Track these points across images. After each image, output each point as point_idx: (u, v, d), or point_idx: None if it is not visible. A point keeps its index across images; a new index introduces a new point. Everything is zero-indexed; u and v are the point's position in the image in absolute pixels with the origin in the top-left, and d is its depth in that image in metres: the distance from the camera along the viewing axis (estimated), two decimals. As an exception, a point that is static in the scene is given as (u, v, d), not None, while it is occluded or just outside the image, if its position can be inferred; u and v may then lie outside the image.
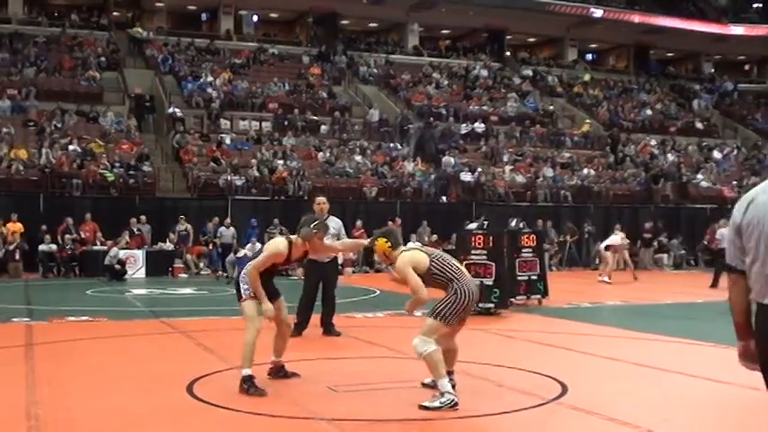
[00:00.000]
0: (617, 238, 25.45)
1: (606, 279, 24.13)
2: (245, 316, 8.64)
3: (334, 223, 12.76)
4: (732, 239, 4.46)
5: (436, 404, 7.62)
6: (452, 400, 7.62)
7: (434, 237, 29.76)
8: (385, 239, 8.30)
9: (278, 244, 8.75)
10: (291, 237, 8.89)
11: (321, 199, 13.01)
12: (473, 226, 17.35)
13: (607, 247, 25.14)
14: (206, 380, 8.95)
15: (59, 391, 8.52)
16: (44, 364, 10.08)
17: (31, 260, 25.84)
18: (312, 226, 8.73)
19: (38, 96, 34.40)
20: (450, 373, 8.16)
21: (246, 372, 8.41)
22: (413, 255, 8.16)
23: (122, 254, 25.40)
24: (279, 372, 9.18)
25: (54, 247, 25.94)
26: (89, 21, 44.27)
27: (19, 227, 25.81)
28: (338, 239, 12.63)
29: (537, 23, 51.81)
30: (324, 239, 9.04)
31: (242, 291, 8.62)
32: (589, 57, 58.36)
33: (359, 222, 28.72)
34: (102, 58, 39.10)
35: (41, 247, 25.75)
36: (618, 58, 59.42)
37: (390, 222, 29.04)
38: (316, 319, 12.85)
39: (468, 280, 8.11)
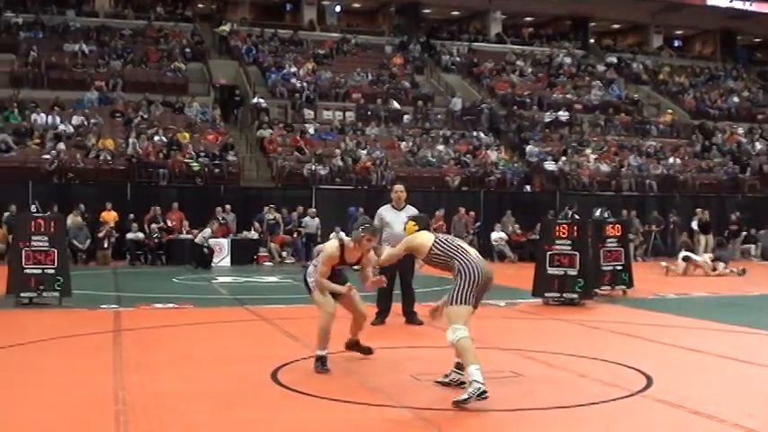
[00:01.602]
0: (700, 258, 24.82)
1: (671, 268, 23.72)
2: (317, 305, 9.01)
3: (412, 213, 12.71)
4: None
5: (464, 396, 7.42)
6: (479, 389, 7.37)
7: (517, 226, 29.56)
8: (414, 222, 8.62)
9: (329, 249, 9.03)
10: (345, 239, 9.13)
11: (398, 187, 13.07)
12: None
13: (686, 258, 24.37)
14: (290, 367, 9.02)
15: (146, 376, 8.65)
16: (131, 350, 10.26)
17: (118, 248, 26.34)
18: (361, 229, 8.92)
19: (124, 88, 35.02)
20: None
21: (320, 353, 8.86)
22: (418, 235, 8.39)
23: (210, 241, 25.74)
24: (354, 345, 9.61)
25: (141, 235, 26.38)
26: (174, 13, 44.90)
27: (113, 215, 26.36)
28: None
29: (621, 10, 51.11)
30: (372, 242, 9.14)
31: (309, 285, 9.18)
32: (675, 43, 57.33)
33: (440, 212, 28.78)
34: (187, 50, 39.64)
35: (129, 236, 26.21)
36: (704, 45, 58.27)
37: (461, 209, 29.05)
38: (398, 308, 12.88)
39: (473, 257, 8.04)
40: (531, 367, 9.27)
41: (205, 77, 38.36)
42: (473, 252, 8.20)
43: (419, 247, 8.24)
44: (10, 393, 7.96)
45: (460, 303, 7.89)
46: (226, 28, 41.93)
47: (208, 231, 25.59)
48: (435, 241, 8.18)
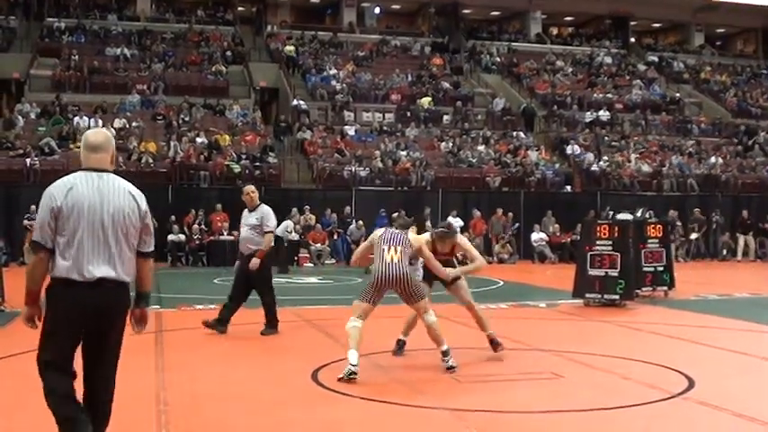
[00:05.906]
0: None
1: None
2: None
3: (258, 213, 12.04)
4: (48, 222, 5.18)
5: (340, 375, 8.38)
6: (350, 371, 8.32)
7: (558, 227, 29.37)
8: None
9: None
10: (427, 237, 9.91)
11: (247, 188, 12.24)
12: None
13: None
14: (331, 367, 9.03)
15: (187, 377, 8.73)
16: (173, 351, 10.35)
17: (159, 250, 26.51)
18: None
19: (166, 91, 35.32)
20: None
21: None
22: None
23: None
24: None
25: (182, 237, 26.55)
26: (215, 16, 45.18)
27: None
28: (260, 229, 11.95)
29: (662, 8, 50.65)
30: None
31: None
32: (716, 42, 56.72)
33: (478, 213, 28.81)
34: (228, 53, 39.87)
35: (170, 238, 26.38)
36: (746, 43, 57.66)
37: (499, 210, 29.01)
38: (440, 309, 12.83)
39: (386, 262, 8.88)
40: (571, 369, 9.24)
41: (246, 80, 38.56)
42: (386, 257, 8.89)
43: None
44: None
45: (359, 299, 8.93)
46: (291, 48, 41.56)
47: (290, 224, 25.25)
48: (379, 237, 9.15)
